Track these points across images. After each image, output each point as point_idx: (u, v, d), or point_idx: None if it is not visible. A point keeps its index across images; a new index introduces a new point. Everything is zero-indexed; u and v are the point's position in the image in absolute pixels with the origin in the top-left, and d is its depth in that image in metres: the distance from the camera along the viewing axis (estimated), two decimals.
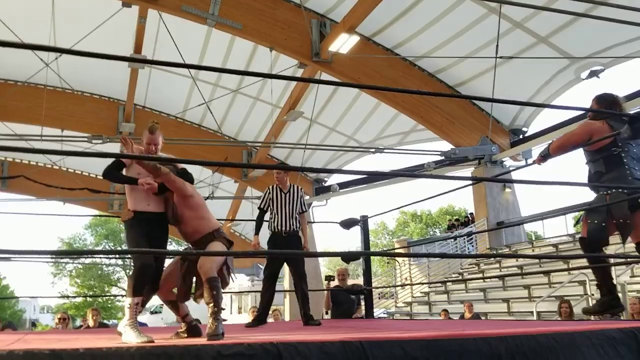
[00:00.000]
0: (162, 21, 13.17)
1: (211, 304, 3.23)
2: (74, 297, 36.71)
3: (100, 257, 30.09)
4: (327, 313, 7.51)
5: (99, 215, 32.05)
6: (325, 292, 7.27)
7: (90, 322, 7.52)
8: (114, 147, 18.24)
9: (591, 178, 4.11)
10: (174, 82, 16.70)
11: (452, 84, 15.04)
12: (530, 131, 15.53)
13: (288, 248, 5.41)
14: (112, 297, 38.46)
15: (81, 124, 16.97)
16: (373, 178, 18.01)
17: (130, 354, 1.96)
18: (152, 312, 26.53)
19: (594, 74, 12.93)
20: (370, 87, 11.28)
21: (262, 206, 5.67)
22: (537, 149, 15.05)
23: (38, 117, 15.24)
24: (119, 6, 12.45)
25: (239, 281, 25.68)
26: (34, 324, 39.33)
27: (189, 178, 3.77)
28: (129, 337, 3.06)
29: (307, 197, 20.04)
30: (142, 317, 24.55)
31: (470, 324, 4.88)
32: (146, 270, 3.38)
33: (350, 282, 7.77)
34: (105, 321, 11.84)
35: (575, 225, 4.29)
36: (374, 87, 11.99)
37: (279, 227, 5.49)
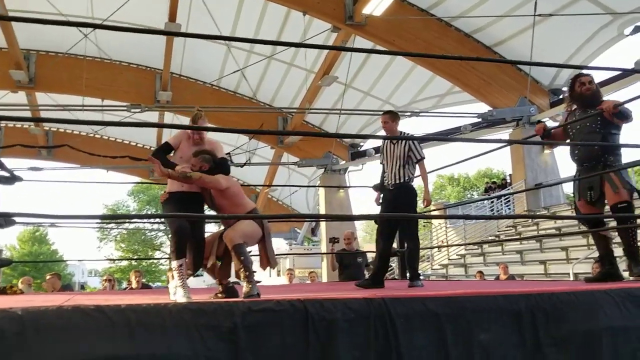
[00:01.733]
0: None
1: (241, 269, 3.39)
2: (119, 259, 38.15)
3: (143, 222, 31.08)
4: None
5: (141, 183, 32.94)
6: (330, 254, 7.47)
7: (134, 284, 7.89)
8: (153, 116, 18.63)
9: (606, 148, 4.15)
10: (209, 50, 16.83)
11: (490, 44, 14.70)
12: None
13: (395, 202, 5.00)
14: (155, 261, 39.86)
15: (120, 93, 17.35)
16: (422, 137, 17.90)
17: (167, 309, 2.13)
18: (194, 275, 27.36)
19: (638, 29, 12.43)
20: (405, 53, 11.14)
21: (381, 161, 5.33)
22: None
23: (79, 88, 15.68)
24: None
25: (277, 244, 26.18)
26: (82, 286, 41.15)
27: (225, 169, 3.86)
28: (178, 295, 3.30)
29: (342, 162, 20.11)
30: None
31: (499, 284, 4.94)
32: (182, 232, 3.57)
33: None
34: (149, 283, 12.35)
35: (590, 200, 4.13)
36: (409, 53, 11.83)
37: (386, 181, 5.15)
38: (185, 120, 18.09)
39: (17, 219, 6.47)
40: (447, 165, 7.80)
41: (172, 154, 3.84)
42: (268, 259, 3.75)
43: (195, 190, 3.79)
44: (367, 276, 7.25)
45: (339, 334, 2.24)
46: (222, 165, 3.83)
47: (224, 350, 2.11)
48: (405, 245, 5.24)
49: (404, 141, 5.10)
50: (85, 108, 14.62)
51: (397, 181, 5.04)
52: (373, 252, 7.34)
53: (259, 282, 4.07)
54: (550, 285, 3.42)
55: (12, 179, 5.88)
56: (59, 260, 37.68)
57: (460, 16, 13.95)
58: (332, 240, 7.57)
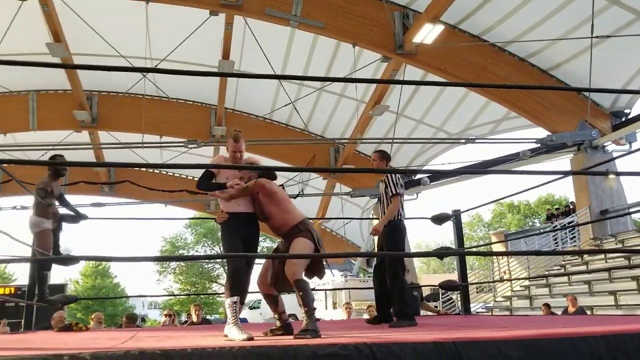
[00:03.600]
0: (247, 26, 13.59)
1: (301, 305, 3.37)
2: (179, 295, 38.85)
3: (202, 261, 31.81)
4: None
5: (198, 219, 33.72)
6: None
7: (194, 318, 7.96)
8: (208, 150, 19.09)
9: None
10: (261, 84, 17.17)
11: (546, 68, 14.36)
12: (634, 112, 14.53)
13: (383, 240, 5.10)
14: (213, 294, 40.42)
15: (177, 130, 17.86)
16: (464, 170, 17.58)
17: (232, 353, 2.08)
18: (250, 308, 27.39)
19: None
20: (456, 84, 11.03)
21: None
22: None
23: (138, 126, 16.24)
24: (207, 15, 13.00)
25: (333, 277, 25.97)
26: (143, 319, 41.93)
27: (272, 175, 3.98)
28: (233, 334, 3.32)
29: None
30: (242, 313, 25.42)
31: (571, 320, 4.67)
32: (239, 273, 3.65)
33: (444, 277, 7.66)
34: (207, 316, 12.43)
35: None
36: (459, 84, 11.68)
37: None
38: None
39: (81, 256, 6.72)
40: (508, 195, 7.59)
41: (214, 180, 3.92)
42: (318, 270, 3.82)
43: (250, 210, 3.88)
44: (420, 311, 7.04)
45: None
46: (268, 172, 3.97)
47: None
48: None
49: (384, 178, 5.16)
50: (145, 145, 15.12)
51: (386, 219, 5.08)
52: (428, 285, 7.14)
53: (318, 319, 4.00)
54: (630, 322, 3.18)
55: (77, 217, 6.11)
56: (122, 296, 38.72)
57: (514, 41, 13.71)
58: None
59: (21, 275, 35.22)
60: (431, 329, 3.89)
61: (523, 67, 14.32)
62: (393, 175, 5.17)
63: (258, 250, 4.25)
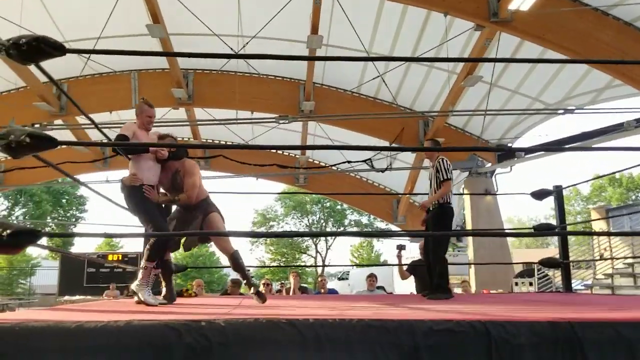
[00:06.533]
0: None
1: (240, 271, 4.57)
2: (271, 266, 40.55)
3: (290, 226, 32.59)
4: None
5: (289, 193, 34.74)
6: (399, 264, 7.43)
7: (293, 285, 8.36)
8: (297, 126, 19.44)
9: None
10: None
11: None
12: None
13: (430, 222, 5.66)
14: (302, 264, 41.77)
15: (267, 105, 18.26)
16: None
17: (352, 325, 2.19)
18: (339, 279, 27.78)
19: None
20: (549, 61, 10.51)
21: None
22: None
23: (232, 102, 16.78)
24: None
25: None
26: None
27: (187, 153, 4.44)
28: (143, 296, 3.87)
29: (488, 165, 19.33)
30: (331, 284, 25.97)
31: None
32: (162, 240, 4.01)
33: (537, 252, 7.48)
34: (306, 286, 12.89)
35: None
36: (555, 60, 11.10)
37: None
38: (326, 127, 18.60)
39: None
40: (609, 173, 7.21)
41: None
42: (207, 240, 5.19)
43: (157, 182, 4.27)
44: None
45: None
46: (179, 150, 4.35)
47: None
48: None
49: (435, 165, 5.58)
50: (238, 121, 15.63)
51: (434, 202, 5.56)
52: (523, 262, 6.97)
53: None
54: None
55: None
56: (224, 266, 40.76)
57: (619, 4, 12.79)
58: (400, 247, 7.38)
59: (126, 242, 38.18)
60: (538, 306, 3.83)
61: (628, 31, 13.33)
62: (444, 162, 5.61)
63: None
